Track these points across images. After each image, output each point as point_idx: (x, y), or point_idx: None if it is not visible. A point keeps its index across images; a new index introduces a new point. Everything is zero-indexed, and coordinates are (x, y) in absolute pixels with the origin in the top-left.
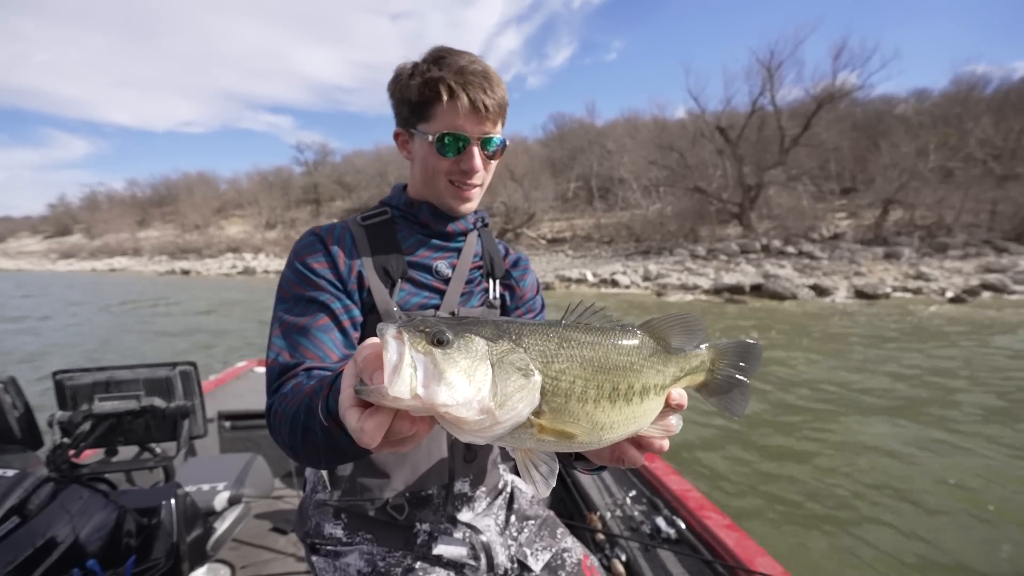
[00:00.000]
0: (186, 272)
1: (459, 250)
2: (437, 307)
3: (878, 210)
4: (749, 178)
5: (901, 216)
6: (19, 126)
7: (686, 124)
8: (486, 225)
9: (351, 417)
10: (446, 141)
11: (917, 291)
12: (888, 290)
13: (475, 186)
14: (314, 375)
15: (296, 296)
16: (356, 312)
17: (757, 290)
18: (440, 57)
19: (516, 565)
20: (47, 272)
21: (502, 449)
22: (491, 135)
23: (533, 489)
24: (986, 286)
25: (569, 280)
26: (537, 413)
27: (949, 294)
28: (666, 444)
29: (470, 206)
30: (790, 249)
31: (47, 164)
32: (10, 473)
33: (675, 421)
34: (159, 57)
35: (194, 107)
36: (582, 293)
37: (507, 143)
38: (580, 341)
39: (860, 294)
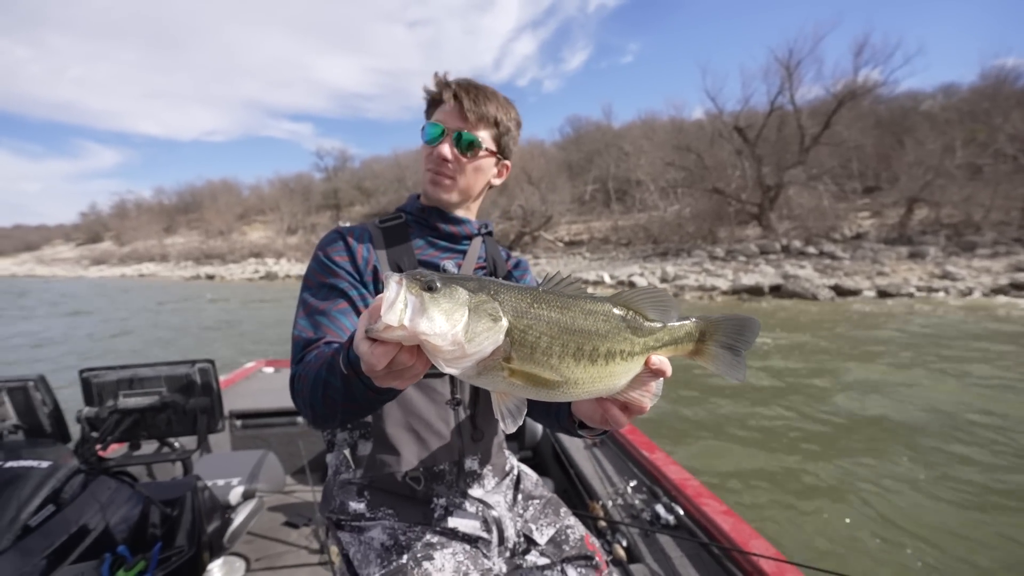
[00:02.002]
0: (211, 277)
1: (464, 252)
2: None
3: (902, 209)
4: (768, 178)
5: (927, 215)
6: (53, 138)
7: (704, 125)
8: (490, 233)
9: (364, 347)
10: (426, 129)
11: (943, 290)
12: (912, 290)
13: (447, 176)
14: (333, 346)
15: (319, 283)
16: (371, 300)
17: (776, 291)
18: (463, 78)
19: (523, 539)
20: (77, 278)
21: (507, 436)
22: (465, 131)
23: (501, 423)
24: (1016, 285)
25: (587, 283)
26: (508, 359)
27: (976, 294)
28: (647, 406)
29: (443, 194)
30: (811, 249)
31: (80, 174)
32: (44, 465)
33: (655, 387)
34: (185, 69)
35: (218, 116)
36: (599, 295)
37: (483, 147)
38: (550, 303)
39: (883, 294)
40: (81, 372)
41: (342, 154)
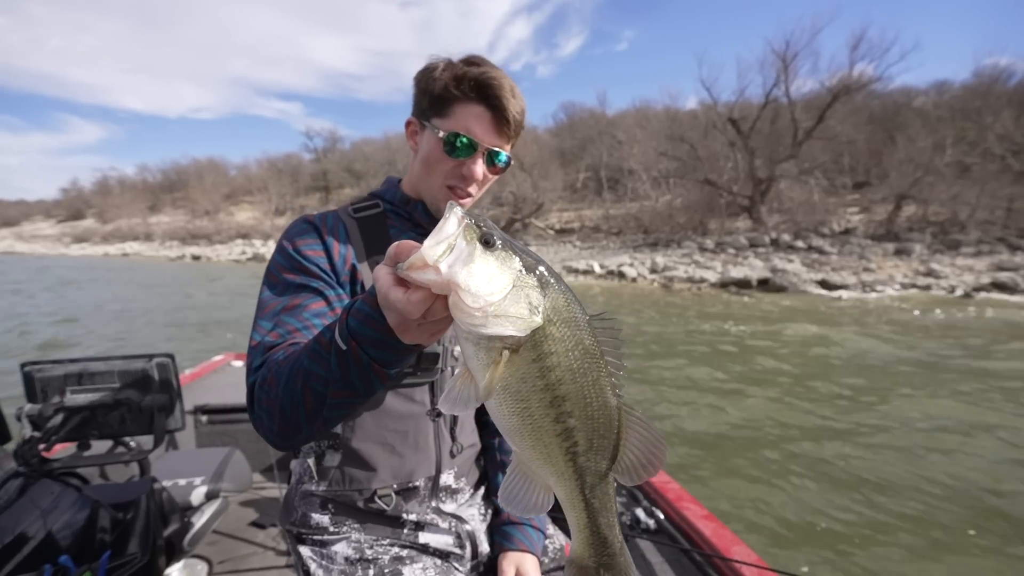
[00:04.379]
0: (196, 258)
1: None
2: None
3: (891, 205)
4: (760, 171)
5: (914, 212)
6: (34, 111)
7: (698, 115)
8: None
9: (396, 294)
10: (455, 142)
11: (926, 287)
12: (896, 286)
13: (469, 195)
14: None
15: (286, 282)
16: (347, 301)
17: (764, 284)
18: (475, 62)
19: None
20: (59, 256)
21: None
22: (500, 149)
23: (445, 400)
24: (997, 284)
25: (576, 271)
26: (513, 350)
27: (959, 292)
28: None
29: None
30: (799, 243)
31: (61, 149)
32: None
33: None
34: (171, 44)
35: (205, 93)
36: (588, 284)
37: (511, 162)
38: (585, 340)
39: (867, 289)
40: (23, 366)
41: (332, 135)
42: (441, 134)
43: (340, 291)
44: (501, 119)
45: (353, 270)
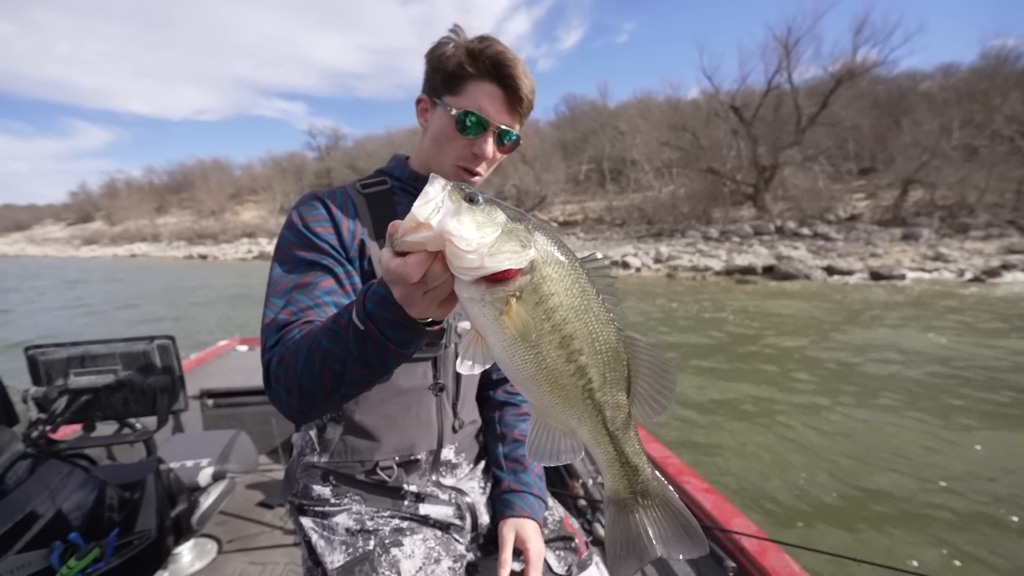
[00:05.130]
0: (204, 257)
1: None
2: None
3: (897, 190)
4: (764, 158)
5: (921, 196)
6: (42, 116)
7: (700, 104)
8: None
9: (394, 263)
10: (468, 121)
11: (934, 271)
12: (904, 271)
13: (479, 173)
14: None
15: (297, 258)
16: (357, 279)
17: (769, 271)
18: (488, 41)
19: (494, 525)
20: (70, 258)
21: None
22: (511, 129)
23: (461, 362)
24: (1007, 267)
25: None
26: (517, 297)
27: (968, 275)
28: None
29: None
30: (805, 231)
31: (69, 153)
32: None
33: None
34: (174, 47)
35: (209, 95)
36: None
37: (520, 141)
38: (579, 274)
39: (875, 275)
40: (27, 350)
41: (335, 133)
42: (453, 112)
43: (349, 267)
44: (513, 98)
45: (362, 246)
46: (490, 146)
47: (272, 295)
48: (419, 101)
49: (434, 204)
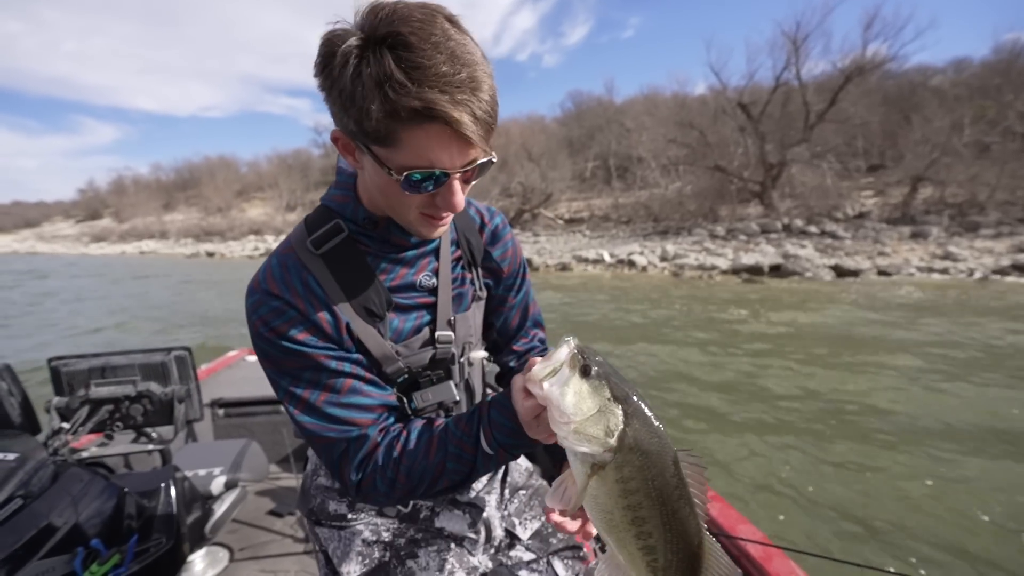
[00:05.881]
0: (211, 254)
1: (436, 250)
2: (431, 323)
3: (906, 188)
4: (771, 156)
5: (931, 194)
6: (50, 114)
7: (707, 101)
8: None
9: (519, 399)
10: (417, 179)
11: (943, 271)
12: (912, 270)
13: (449, 219)
14: (409, 434)
15: (294, 371)
16: (356, 355)
17: (776, 270)
18: (401, 48)
19: (506, 535)
20: (80, 255)
21: None
22: (476, 159)
23: (551, 495)
24: (1018, 267)
25: (586, 260)
26: (600, 467)
27: (977, 275)
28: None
29: (445, 230)
30: (812, 229)
31: (77, 150)
32: (11, 457)
33: None
34: (181, 44)
35: (215, 92)
36: (598, 274)
37: (494, 160)
38: (666, 467)
39: (883, 274)
40: (50, 361)
41: None
42: (393, 175)
43: (352, 356)
44: (468, 132)
45: (348, 330)
46: (458, 195)
47: (298, 413)
48: (336, 140)
49: (552, 367)
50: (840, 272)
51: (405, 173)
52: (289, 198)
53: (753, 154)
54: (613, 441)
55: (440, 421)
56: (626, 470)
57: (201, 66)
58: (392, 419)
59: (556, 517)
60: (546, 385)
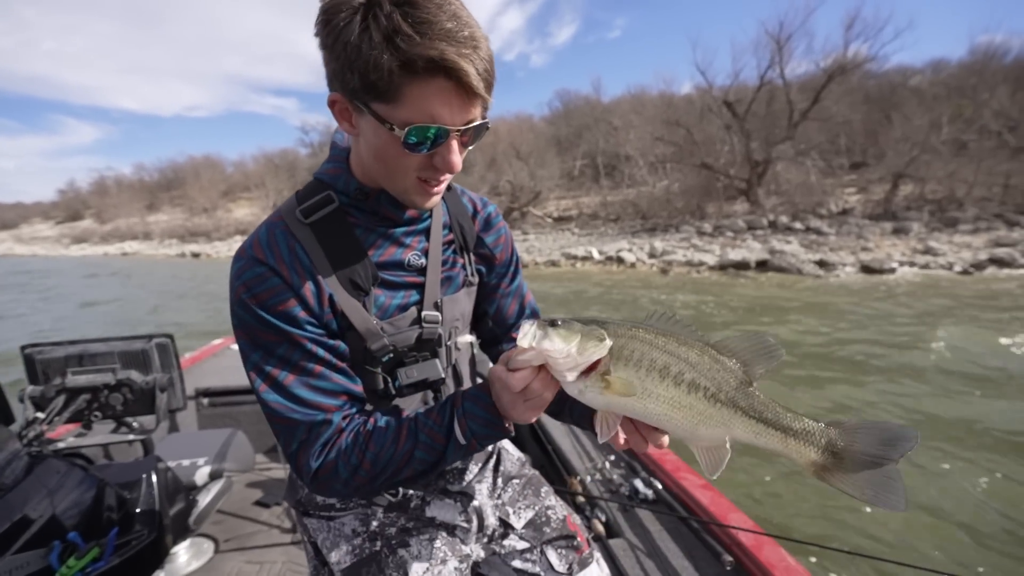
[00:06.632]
0: (196, 255)
1: (427, 230)
2: (418, 303)
3: (888, 185)
4: (757, 153)
5: (911, 191)
6: (29, 113)
7: (693, 99)
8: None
9: (506, 375)
10: (417, 137)
11: (924, 265)
12: (894, 265)
13: (446, 182)
14: (376, 421)
15: (267, 344)
16: (343, 347)
17: (763, 266)
18: (407, 5)
19: (500, 524)
20: (59, 257)
21: None
22: (475, 120)
23: (599, 434)
24: (995, 260)
25: (575, 258)
26: (607, 373)
27: (957, 268)
28: (664, 442)
29: (438, 199)
30: (797, 225)
31: (57, 150)
32: None
33: (718, 462)
34: (163, 43)
35: (199, 92)
36: (588, 270)
37: (488, 126)
38: (648, 330)
39: (866, 269)
40: (23, 348)
41: (328, 129)
42: (395, 131)
43: (331, 340)
44: (469, 87)
45: (331, 301)
46: (456, 155)
47: (263, 391)
48: (333, 103)
49: (530, 334)
50: (825, 266)
51: (407, 127)
52: (276, 198)
53: (739, 152)
54: (608, 340)
55: (407, 412)
56: (625, 352)
57: (185, 65)
58: (356, 409)
59: (622, 443)
60: (535, 343)
